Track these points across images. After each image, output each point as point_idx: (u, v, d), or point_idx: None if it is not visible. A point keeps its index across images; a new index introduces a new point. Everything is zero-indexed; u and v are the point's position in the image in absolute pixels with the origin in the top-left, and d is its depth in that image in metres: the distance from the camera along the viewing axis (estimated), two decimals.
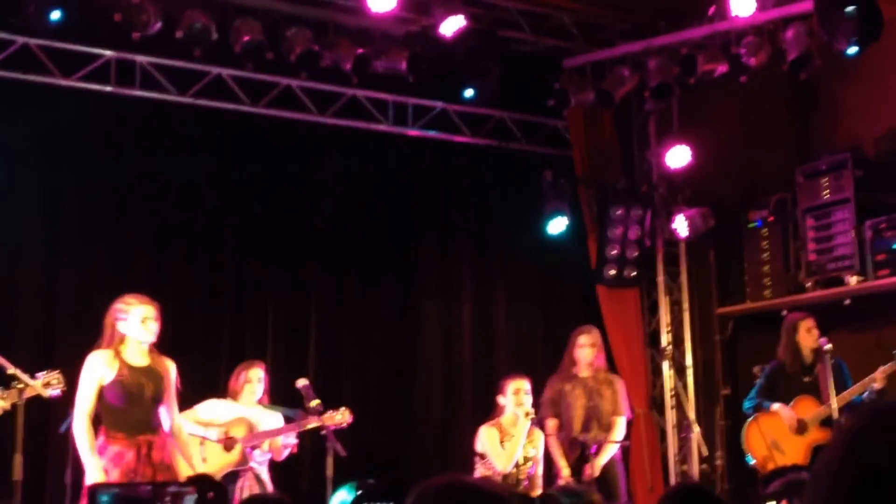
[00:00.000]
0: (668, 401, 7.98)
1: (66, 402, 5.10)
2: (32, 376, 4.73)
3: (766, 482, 5.96)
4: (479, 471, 6.02)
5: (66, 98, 6.71)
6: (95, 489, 1.99)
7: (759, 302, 7.60)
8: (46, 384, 4.76)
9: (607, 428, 6.46)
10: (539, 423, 6.33)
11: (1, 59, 6.54)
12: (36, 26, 6.31)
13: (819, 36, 6.43)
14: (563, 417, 6.48)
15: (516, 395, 6.13)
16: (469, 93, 7.26)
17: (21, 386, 4.64)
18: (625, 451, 6.91)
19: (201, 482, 2.09)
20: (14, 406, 4.66)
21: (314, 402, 5.67)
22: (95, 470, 4.90)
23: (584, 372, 6.56)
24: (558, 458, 6.39)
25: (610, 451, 6.43)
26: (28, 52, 6.61)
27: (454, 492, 1.93)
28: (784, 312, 7.04)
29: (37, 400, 4.83)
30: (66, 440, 5.17)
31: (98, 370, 5.09)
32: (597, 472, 6.23)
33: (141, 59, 6.91)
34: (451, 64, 7.15)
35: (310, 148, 7.55)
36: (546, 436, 6.33)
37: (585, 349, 6.56)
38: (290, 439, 5.92)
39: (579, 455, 6.35)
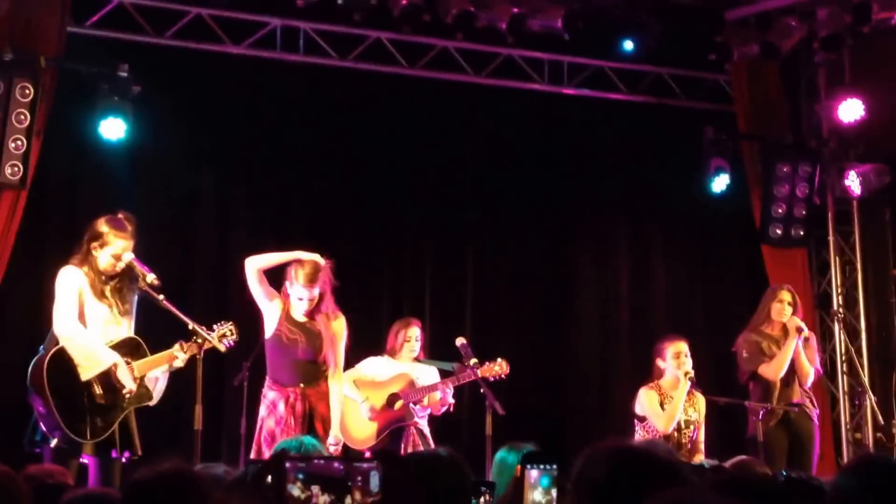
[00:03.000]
0: (840, 366, 7.70)
1: (239, 354, 5.39)
2: (209, 329, 5.00)
3: None
4: (639, 433, 5.96)
5: (235, 64, 6.98)
6: (283, 459, 1.99)
7: None
8: (222, 336, 5.04)
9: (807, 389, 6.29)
10: (746, 383, 6.22)
11: (175, 30, 6.86)
12: None
13: None
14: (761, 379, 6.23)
15: (676, 359, 6.02)
16: (629, 45, 7.10)
17: (200, 340, 4.91)
18: None
19: (385, 458, 2.14)
20: (194, 359, 4.94)
21: (472, 361, 5.75)
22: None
23: (777, 330, 6.27)
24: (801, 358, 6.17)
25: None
26: (200, 21, 6.90)
27: (626, 457, 1.93)
28: None
29: (213, 353, 5.10)
30: (240, 392, 5.45)
31: (276, 309, 5.47)
32: None
33: (304, 25, 7.11)
34: (607, 20, 7.01)
35: (466, 108, 7.58)
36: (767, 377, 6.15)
37: (786, 307, 6.28)
38: (449, 395, 6.02)
39: (782, 417, 6.16)
